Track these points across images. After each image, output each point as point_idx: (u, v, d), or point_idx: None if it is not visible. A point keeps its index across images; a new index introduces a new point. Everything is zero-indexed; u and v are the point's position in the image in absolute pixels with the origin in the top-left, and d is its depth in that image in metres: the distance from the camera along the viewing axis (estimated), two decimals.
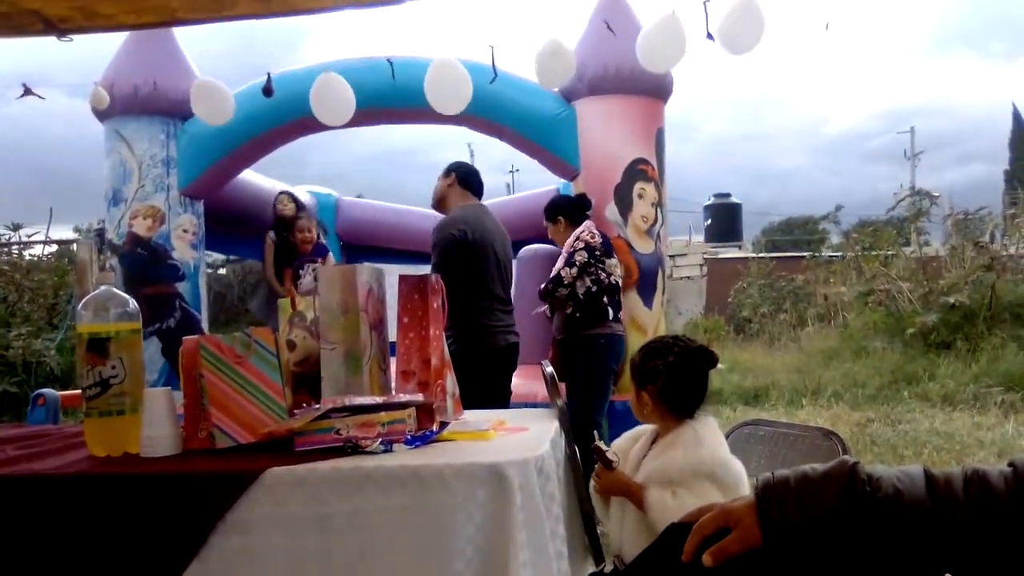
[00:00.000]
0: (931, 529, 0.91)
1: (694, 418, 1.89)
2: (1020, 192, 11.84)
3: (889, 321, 9.81)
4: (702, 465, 1.78)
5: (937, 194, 10.93)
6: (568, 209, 4.36)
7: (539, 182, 6.99)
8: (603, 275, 4.08)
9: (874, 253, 11.01)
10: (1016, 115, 29.69)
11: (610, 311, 4.10)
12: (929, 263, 10.30)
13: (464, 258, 3.50)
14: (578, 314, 4.06)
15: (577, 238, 4.12)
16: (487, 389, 3.57)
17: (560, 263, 4.12)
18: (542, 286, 4.17)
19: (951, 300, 8.85)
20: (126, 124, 5.49)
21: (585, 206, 4.41)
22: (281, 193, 6.04)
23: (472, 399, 3.33)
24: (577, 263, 4.03)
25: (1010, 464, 0.94)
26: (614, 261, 4.21)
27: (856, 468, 0.95)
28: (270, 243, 5.88)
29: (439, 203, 3.79)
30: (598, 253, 4.08)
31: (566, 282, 4.02)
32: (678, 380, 1.88)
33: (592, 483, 1.97)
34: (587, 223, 4.26)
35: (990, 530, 0.89)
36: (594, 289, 4.05)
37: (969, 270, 9.50)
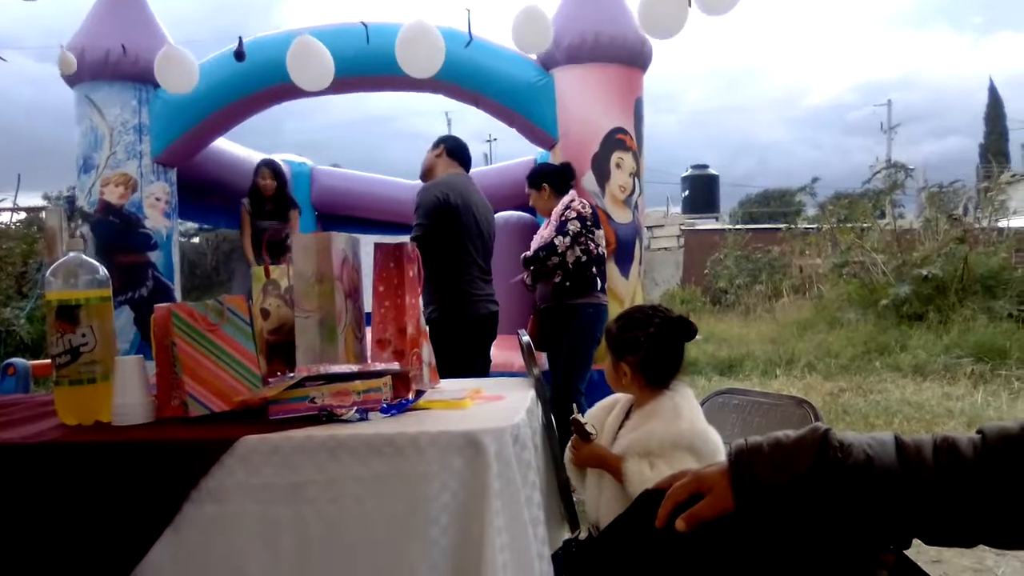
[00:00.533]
0: (900, 494, 0.92)
1: (671, 388, 1.89)
2: (994, 165, 11.96)
3: (863, 293, 9.93)
4: (681, 437, 1.78)
5: (912, 167, 11.03)
6: (553, 177, 4.33)
7: (517, 152, 6.94)
8: (592, 245, 4.08)
9: (849, 225, 11.11)
10: (992, 88, 29.94)
11: (598, 281, 4.11)
12: (903, 235, 10.42)
13: (446, 222, 3.51)
14: (567, 283, 4.06)
15: (567, 207, 4.11)
16: (468, 358, 3.58)
17: (549, 231, 4.11)
18: (528, 253, 4.16)
19: (924, 272, 8.97)
20: (97, 89, 5.38)
21: (570, 175, 4.40)
22: (263, 166, 5.91)
23: (453, 368, 3.36)
24: (570, 232, 4.02)
25: (979, 431, 0.95)
26: (601, 232, 4.21)
27: (828, 435, 0.96)
28: (245, 212, 5.82)
29: (427, 174, 3.80)
30: (589, 223, 4.08)
31: (560, 251, 4.01)
32: (658, 351, 1.87)
33: (568, 455, 1.97)
34: (572, 192, 4.25)
35: (958, 496, 0.90)
36: (583, 259, 4.05)
37: (942, 242, 9.63)
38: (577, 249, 4.03)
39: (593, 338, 4.08)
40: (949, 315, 8.51)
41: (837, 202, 12.43)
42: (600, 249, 4.16)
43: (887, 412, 5.80)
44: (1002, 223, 10.39)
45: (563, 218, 4.07)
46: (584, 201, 4.20)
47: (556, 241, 4.01)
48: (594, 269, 4.10)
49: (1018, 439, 0.90)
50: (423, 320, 1.86)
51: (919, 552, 0.94)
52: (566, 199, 4.16)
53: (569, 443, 1.96)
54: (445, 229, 3.51)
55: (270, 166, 5.92)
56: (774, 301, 12.13)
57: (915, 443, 0.95)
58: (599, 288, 4.13)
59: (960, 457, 0.92)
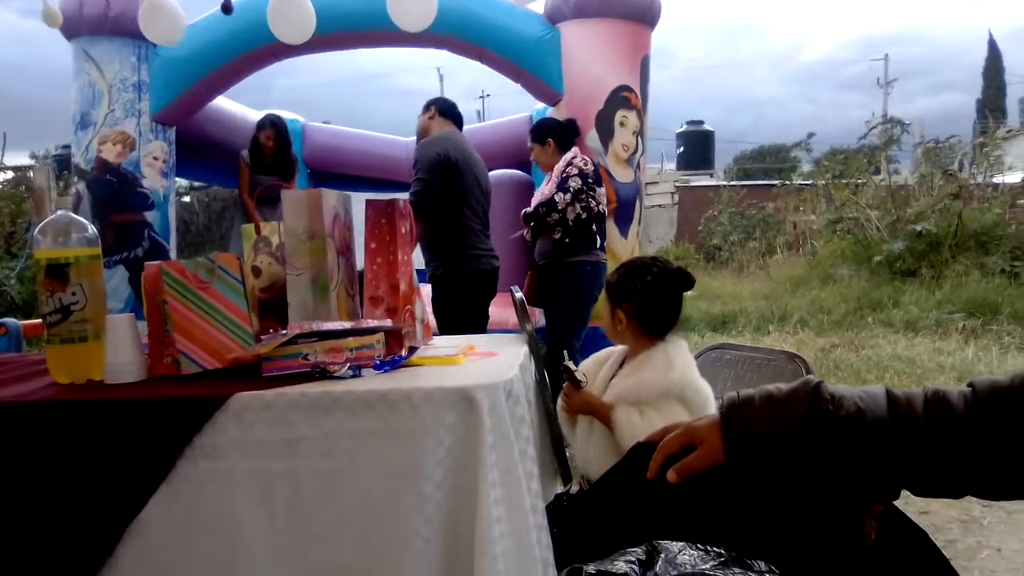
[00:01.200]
0: (891, 447, 0.92)
1: (666, 340, 1.91)
2: (990, 121, 11.89)
3: (857, 249, 9.94)
4: (672, 387, 1.80)
5: (908, 122, 10.96)
6: (558, 132, 4.30)
7: (511, 109, 6.87)
8: (593, 203, 4.07)
9: (844, 181, 11.07)
10: (992, 43, 29.63)
11: (597, 239, 4.10)
12: (898, 191, 10.39)
13: (447, 178, 3.51)
14: (567, 240, 4.05)
15: (569, 163, 4.08)
16: (471, 314, 3.61)
17: (551, 187, 4.08)
18: (528, 209, 4.15)
19: (918, 228, 8.97)
20: (96, 44, 5.28)
21: (574, 131, 4.37)
22: (268, 126, 5.68)
23: (455, 324, 3.38)
24: (571, 189, 3.99)
25: (970, 385, 0.96)
26: (602, 190, 4.20)
27: (820, 387, 0.96)
28: (244, 166, 5.70)
29: (422, 137, 3.78)
30: (590, 180, 4.05)
31: (560, 207, 3.99)
32: (654, 299, 1.89)
33: (560, 403, 1.99)
34: (575, 149, 4.23)
35: (948, 448, 0.91)
36: (584, 216, 4.03)
37: (937, 198, 9.61)
38: (578, 206, 4.01)
39: (590, 295, 4.09)
40: (942, 271, 8.53)
41: (832, 158, 12.36)
42: (601, 207, 4.14)
43: (878, 367, 5.84)
44: (997, 179, 10.36)
45: (564, 174, 4.04)
46: (586, 158, 4.17)
47: (556, 197, 3.99)
48: (594, 227, 4.08)
49: (1008, 392, 0.90)
50: (415, 277, 1.85)
51: (907, 503, 0.95)
52: (568, 155, 4.13)
53: (562, 391, 1.98)
54: (447, 185, 3.51)
55: (275, 126, 5.74)
56: (768, 258, 12.14)
57: (906, 396, 0.96)
58: (599, 246, 4.12)
59: (951, 410, 0.92)
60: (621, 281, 1.94)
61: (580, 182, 4.01)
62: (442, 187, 3.48)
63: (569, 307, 4.09)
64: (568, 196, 3.98)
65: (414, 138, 3.96)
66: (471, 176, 3.62)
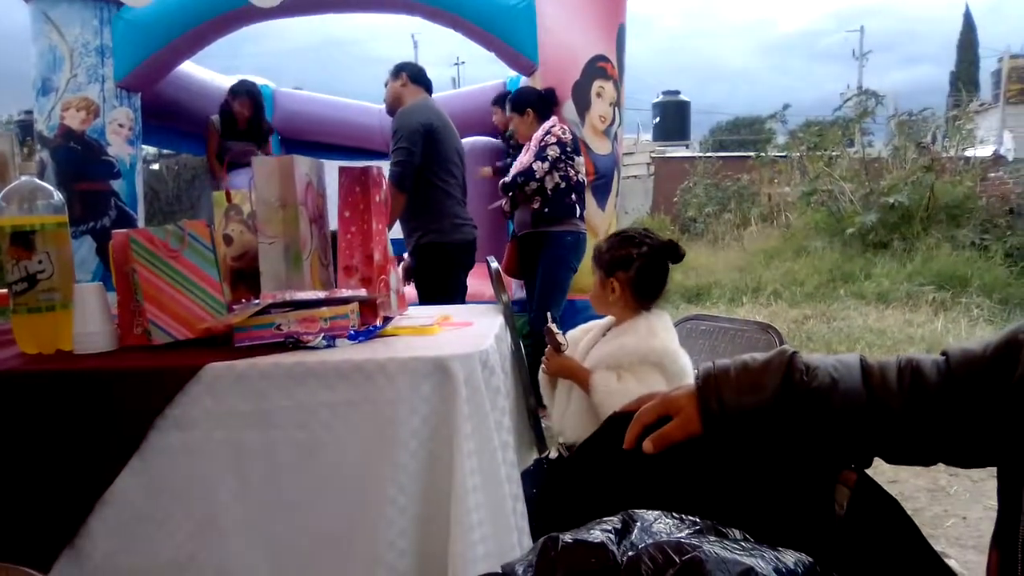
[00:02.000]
0: (864, 416, 0.93)
1: (650, 311, 1.94)
2: (964, 94, 11.97)
3: (830, 221, 10.01)
4: (651, 352, 1.83)
5: (883, 94, 11.00)
6: (538, 102, 4.24)
7: (486, 76, 6.79)
8: (572, 172, 4.02)
9: (818, 153, 11.11)
10: (967, 15, 29.74)
11: (576, 208, 4.07)
12: (872, 164, 10.46)
13: (429, 147, 3.46)
14: (546, 209, 4.01)
15: (548, 132, 4.03)
16: (453, 284, 3.59)
17: (529, 156, 4.03)
18: (507, 179, 4.10)
19: (891, 200, 9.04)
20: (55, 6, 5.09)
21: (553, 101, 4.31)
22: (243, 94, 5.53)
23: (437, 295, 3.36)
24: (549, 157, 3.95)
25: (943, 353, 0.96)
26: (581, 159, 4.15)
27: (794, 357, 0.96)
28: (212, 131, 5.58)
29: (395, 104, 3.69)
30: (569, 149, 4.01)
31: (538, 176, 3.94)
32: (648, 270, 1.93)
33: (541, 366, 2.01)
34: (554, 118, 4.17)
35: (921, 417, 0.92)
36: (563, 185, 4.00)
37: (909, 171, 9.68)
38: (556, 175, 3.98)
39: (569, 266, 4.07)
40: (913, 243, 8.62)
41: (807, 130, 12.40)
42: (580, 176, 4.10)
43: (850, 339, 5.92)
44: (969, 152, 10.46)
45: (543, 143, 3.99)
46: (564, 127, 4.13)
47: (535, 166, 3.94)
48: (573, 196, 4.05)
49: (980, 360, 0.91)
50: (391, 246, 1.83)
51: (876, 472, 0.96)
52: (547, 124, 4.08)
53: (544, 354, 2.00)
54: (429, 155, 3.46)
55: (251, 95, 5.57)
56: (742, 229, 12.20)
57: (879, 365, 0.96)
58: (578, 215, 4.09)
59: (923, 379, 0.93)
60: (616, 250, 1.96)
61: (559, 151, 3.97)
62: (425, 157, 3.44)
63: (548, 278, 4.06)
64: (546, 165, 3.94)
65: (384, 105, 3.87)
66: (451, 145, 3.58)
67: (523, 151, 4.19)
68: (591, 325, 2.08)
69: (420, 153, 3.42)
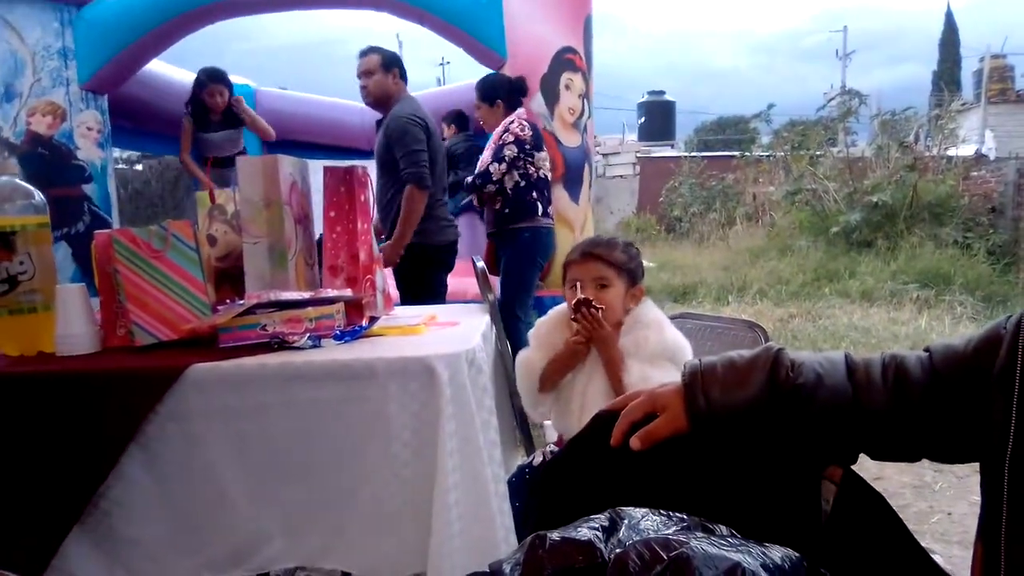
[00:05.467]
0: (849, 413, 0.93)
1: (638, 302, 1.91)
2: (946, 93, 12.06)
3: (814, 220, 10.07)
4: (667, 347, 1.79)
5: (867, 94, 11.07)
6: (507, 91, 4.17)
7: (471, 76, 6.76)
8: (532, 169, 3.98)
9: (802, 153, 11.17)
10: (949, 15, 29.91)
11: (539, 206, 4.02)
12: (855, 163, 10.52)
13: (427, 147, 3.42)
14: (507, 209, 3.99)
15: (507, 130, 3.97)
16: (434, 284, 3.57)
17: (488, 156, 4.01)
18: (468, 179, 4.09)
19: (874, 199, 9.09)
20: (12, 9, 4.95)
21: (523, 91, 4.23)
22: (214, 81, 5.37)
23: (423, 295, 3.34)
24: (506, 158, 3.91)
25: (926, 350, 0.97)
26: (543, 155, 4.08)
27: (780, 354, 0.97)
28: (187, 126, 5.44)
29: (385, 99, 3.56)
30: (527, 147, 3.95)
31: (495, 178, 3.92)
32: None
33: (575, 333, 1.86)
34: (519, 111, 4.10)
35: (905, 413, 0.92)
36: (523, 184, 3.96)
37: (893, 170, 9.74)
38: (516, 173, 3.93)
39: (532, 262, 4.02)
40: (897, 242, 8.68)
41: (791, 129, 12.47)
42: (541, 172, 4.04)
43: (835, 337, 5.95)
44: (951, 151, 10.53)
45: (501, 142, 3.94)
46: (524, 122, 4.03)
47: (491, 168, 3.91)
48: (534, 193, 4.00)
49: (963, 357, 0.91)
50: (376, 246, 1.83)
51: (861, 470, 0.96)
52: (507, 121, 4.02)
53: (581, 316, 1.82)
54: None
55: (224, 80, 5.40)
56: (727, 229, 12.25)
57: (864, 362, 0.97)
58: (540, 212, 4.02)
59: (907, 375, 0.94)
60: (634, 259, 1.92)
61: (516, 150, 3.92)
62: None
63: (510, 275, 4.03)
64: (503, 166, 3.91)
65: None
66: (437, 144, 3.56)
67: (488, 146, 4.13)
68: (561, 319, 1.94)
69: (427, 152, 3.39)
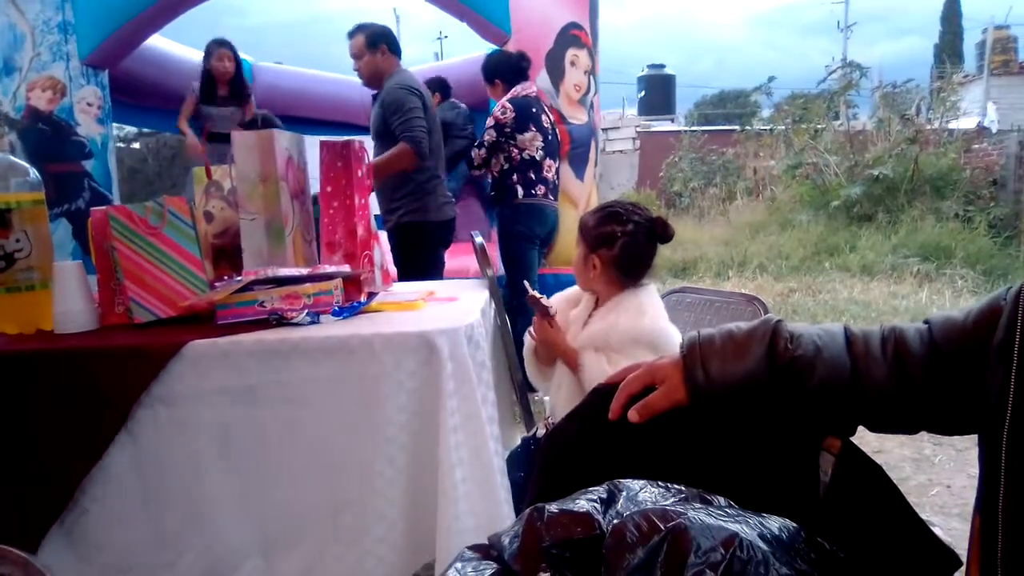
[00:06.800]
0: (848, 385, 0.93)
1: (637, 286, 1.87)
2: (948, 66, 11.97)
3: (815, 194, 10.02)
4: (642, 333, 1.76)
5: (868, 66, 10.97)
6: (502, 69, 4.14)
7: (469, 50, 6.71)
8: (515, 152, 3.96)
9: (803, 126, 11.09)
10: None
11: (518, 188, 3.99)
12: (856, 136, 10.46)
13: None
14: (493, 192, 4.08)
15: (492, 114, 3.99)
16: (432, 260, 3.56)
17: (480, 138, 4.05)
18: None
19: (875, 173, 9.05)
20: None
21: (523, 66, 4.17)
22: (220, 46, 5.26)
23: (418, 271, 3.32)
24: (485, 143, 3.95)
25: (926, 322, 0.96)
26: (529, 135, 4.00)
27: (779, 326, 0.96)
28: (191, 97, 5.38)
29: (377, 78, 3.54)
30: (508, 130, 3.93)
31: (476, 164, 4.00)
32: (632, 249, 1.84)
33: (527, 338, 1.94)
34: (518, 86, 4.07)
35: (904, 385, 0.92)
36: (506, 167, 3.98)
37: (894, 143, 9.69)
38: (501, 157, 3.96)
39: (517, 237, 4.01)
40: (898, 216, 8.65)
41: (792, 103, 12.37)
42: (525, 153, 3.99)
43: (835, 311, 5.95)
44: (953, 124, 10.47)
45: (486, 126, 3.98)
46: (507, 106, 3.97)
47: (473, 154, 3.99)
48: (515, 176, 3.98)
49: (962, 328, 0.91)
50: (374, 222, 1.82)
51: (861, 443, 0.96)
52: (501, 102, 4.02)
53: (532, 323, 1.89)
54: None
55: (228, 46, 5.31)
56: (728, 203, 12.19)
57: (863, 334, 0.96)
58: (520, 195, 3.99)
59: (906, 347, 0.93)
60: (600, 226, 1.86)
61: (495, 134, 3.93)
62: None
63: (503, 255, 4.09)
64: (483, 151, 3.96)
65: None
66: (433, 118, 3.54)
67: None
68: (575, 295, 1.98)
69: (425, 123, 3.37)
